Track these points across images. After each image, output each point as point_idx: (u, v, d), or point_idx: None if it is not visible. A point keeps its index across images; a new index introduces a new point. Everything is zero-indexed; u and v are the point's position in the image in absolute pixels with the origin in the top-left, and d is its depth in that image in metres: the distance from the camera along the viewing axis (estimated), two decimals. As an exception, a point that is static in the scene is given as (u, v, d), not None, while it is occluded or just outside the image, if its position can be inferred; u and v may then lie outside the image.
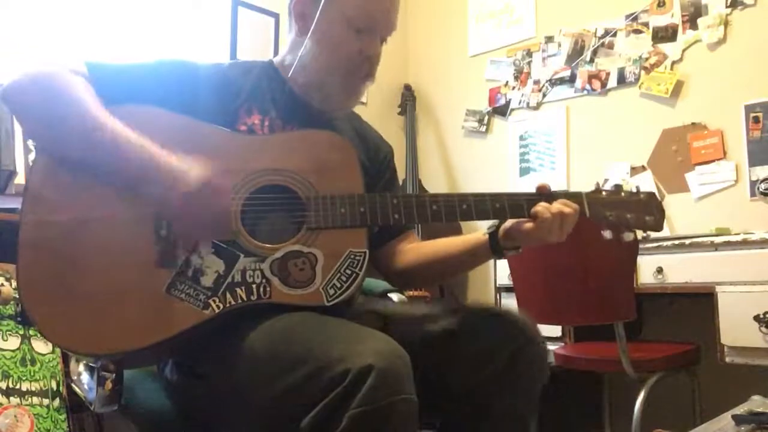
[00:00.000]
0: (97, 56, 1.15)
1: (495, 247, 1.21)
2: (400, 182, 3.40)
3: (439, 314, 1.18)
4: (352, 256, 1.10)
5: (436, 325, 1.16)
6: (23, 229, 1.02)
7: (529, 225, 1.16)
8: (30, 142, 2.23)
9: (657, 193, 2.73)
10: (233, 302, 1.05)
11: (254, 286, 1.06)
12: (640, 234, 2.00)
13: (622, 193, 1.22)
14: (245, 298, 1.05)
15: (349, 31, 1.19)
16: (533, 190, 1.20)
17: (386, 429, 0.88)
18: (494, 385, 1.10)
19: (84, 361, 1.14)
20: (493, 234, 1.21)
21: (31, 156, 2.24)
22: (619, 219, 1.19)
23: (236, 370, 1.02)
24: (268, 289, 1.06)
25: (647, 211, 1.21)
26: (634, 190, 1.23)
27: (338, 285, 1.08)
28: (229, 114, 1.16)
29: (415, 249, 1.35)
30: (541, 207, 1.15)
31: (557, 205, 1.15)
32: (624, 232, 1.19)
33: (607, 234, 1.19)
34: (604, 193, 1.21)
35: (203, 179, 1.04)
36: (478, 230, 1.26)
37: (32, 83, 1.05)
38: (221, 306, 1.04)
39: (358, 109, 1.37)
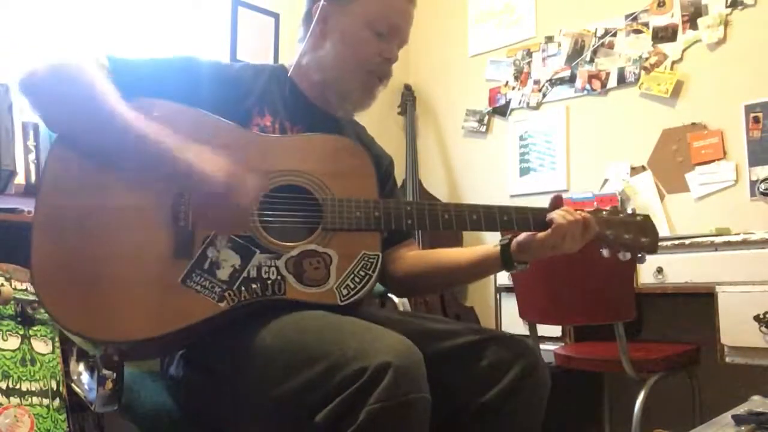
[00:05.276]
0: (118, 50, 1.14)
1: (506, 260, 1.22)
2: (400, 183, 3.40)
3: (443, 331, 1.17)
4: (366, 258, 1.12)
5: (441, 342, 1.15)
6: (38, 216, 1.00)
7: (543, 234, 1.17)
8: (30, 142, 2.23)
9: (657, 193, 2.76)
10: (248, 297, 1.05)
11: (269, 282, 1.07)
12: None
13: (621, 215, 1.25)
14: (260, 294, 1.06)
15: (371, 33, 1.25)
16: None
17: (404, 424, 0.89)
18: (498, 405, 1.10)
19: (83, 361, 1.14)
20: (505, 247, 1.22)
21: (31, 156, 2.24)
22: (618, 239, 1.23)
23: (248, 367, 1.02)
24: (282, 285, 1.07)
25: (643, 232, 1.24)
26: (630, 211, 1.27)
27: (351, 286, 1.10)
28: (241, 114, 1.18)
29: (417, 257, 1.35)
30: (557, 213, 1.17)
31: (575, 214, 1.17)
32: (621, 252, 1.23)
33: (605, 252, 1.24)
34: (604, 213, 1.25)
35: (231, 177, 1.03)
36: (480, 241, 1.27)
37: (55, 72, 1.03)
38: (236, 299, 1.05)
39: (359, 110, 1.37)
